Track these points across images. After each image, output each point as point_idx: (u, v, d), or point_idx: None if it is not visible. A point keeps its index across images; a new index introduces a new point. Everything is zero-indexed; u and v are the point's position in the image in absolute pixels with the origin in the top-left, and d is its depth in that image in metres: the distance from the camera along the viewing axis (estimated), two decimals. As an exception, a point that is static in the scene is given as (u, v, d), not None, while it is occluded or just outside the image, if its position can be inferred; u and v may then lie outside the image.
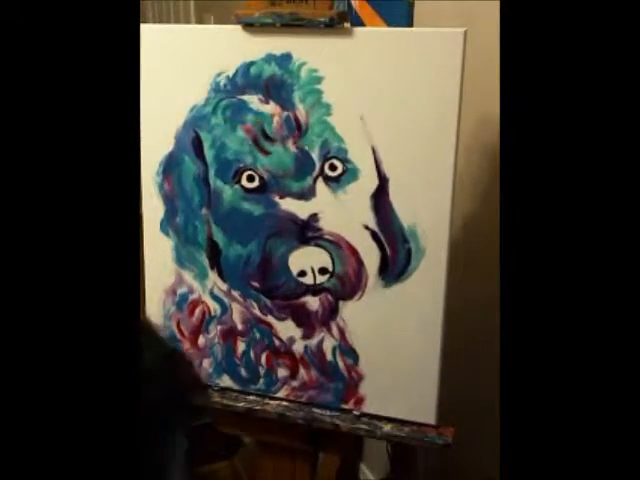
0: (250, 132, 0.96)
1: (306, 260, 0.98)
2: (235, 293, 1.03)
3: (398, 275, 0.95)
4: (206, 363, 1.08)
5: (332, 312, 1.00)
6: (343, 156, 0.93)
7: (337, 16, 0.90)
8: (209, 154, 0.99)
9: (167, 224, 1.04)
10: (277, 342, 1.03)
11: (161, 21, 2.85)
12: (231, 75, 0.95)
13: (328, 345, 1.01)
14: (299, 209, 0.96)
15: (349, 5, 1.07)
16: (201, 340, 1.07)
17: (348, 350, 1.00)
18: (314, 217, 0.96)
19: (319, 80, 0.92)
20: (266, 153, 0.96)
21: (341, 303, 0.99)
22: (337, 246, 0.96)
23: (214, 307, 1.05)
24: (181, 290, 1.06)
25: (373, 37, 0.90)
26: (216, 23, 2.30)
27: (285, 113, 0.94)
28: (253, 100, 0.95)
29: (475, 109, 1.16)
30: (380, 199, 0.93)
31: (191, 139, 0.99)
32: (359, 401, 1.02)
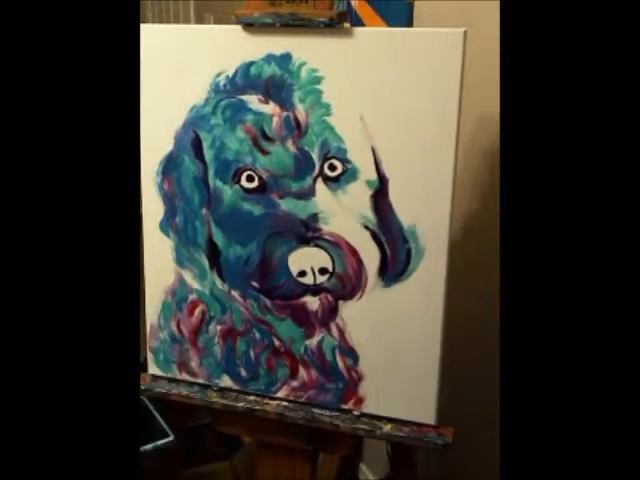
0: (250, 132, 0.96)
1: (306, 260, 0.98)
2: (235, 293, 1.03)
3: (398, 275, 0.95)
4: (206, 363, 1.08)
5: (332, 312, 1.00)
6: (343, 156, 0.93)
7: (337, 16, 0.89)
8: (208, 154, 0.99)
9: (167, 224, 1.04)
10: (277, 342, 1.03)
11: (161, 21, 2.84)
12: (231, 75, 0.95)
13: (328, 345, 1.01)
14: (299, 209, 0.96)
15: (349, 5, 1.07)
16: (201, 340, 1.07)
17: (348, 350, 1.00)
18: (314, 217, 0.96)
19: (319, 80, 0.92)
20: (266, 153, 0.96)
21: (341, 303, 0.99)
22: (337, 246, 0.96)
23: (214, 307, 1.05)
24: (181, 290, 1.06)
25: (373, 37, 0.90)
26: (216, 23, 2.30)
27: (285, 113, 0.94)
28: (253, 100, 0.95)
29: (475, 109, 1.16)
30: (380, 199, 0.93)
31: (191, 139, 0.99)
32: (359, 401, 1.02)
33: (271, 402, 1.06)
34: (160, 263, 1.06)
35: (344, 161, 0.93)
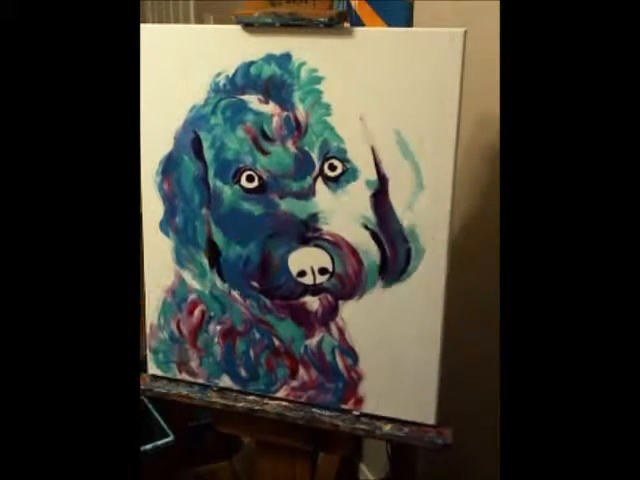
0: (250, 132, 0.96)
1: (306, 260, 0.98)
2: (235, 293, 1.03)
3: (398, 275, 0.95)
4: (205, 363, 1.08)
5: (332, 312, 1.00)
6: (343, 156, 0.93)
7: (337, 16, 0.89)
8: (209, 154, 0.99)
9: (167, 224, 1.04)
10: (277, 342, 1.03)
11: (161, 21, 2.85)
12: (231, 75, 0.95)
13: (328, 345, 1.01)
14: (299, 209, 0.96)
15: (349, 5, 1.07)
16: (200, 340, 1.07)
17: (348, 350, 1.00)
18: (314, 217, 0.96)
19: (319, 80, 0.92)
20: (266, 153, 0.96)
21: (341, 303, 0.99)
22: (337, 246, 0.96)
23: (214, 307, 1.05)
24: (181, 290, 1.06)
25: (373, 37, 0.90)
26: (216, 23, 2.30)
27: (285, 113, 0.94)
28: (253, 100, 0.95)
29: (475, 109, 1.16)
30: (380, 199, 0.93)
31: (190, 139, 0.99)
32: (359, 401, 1.02)
33: (271, 402, 1.06)
34: (160, 263, 1.06)
35: (344, 161, 0.93)
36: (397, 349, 0.98)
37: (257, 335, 1.04)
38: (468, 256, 1.23)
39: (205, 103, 0.97)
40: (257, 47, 0.93)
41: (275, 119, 0.94)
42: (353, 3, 1.07)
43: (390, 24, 1.03)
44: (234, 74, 0.95)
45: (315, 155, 0.94)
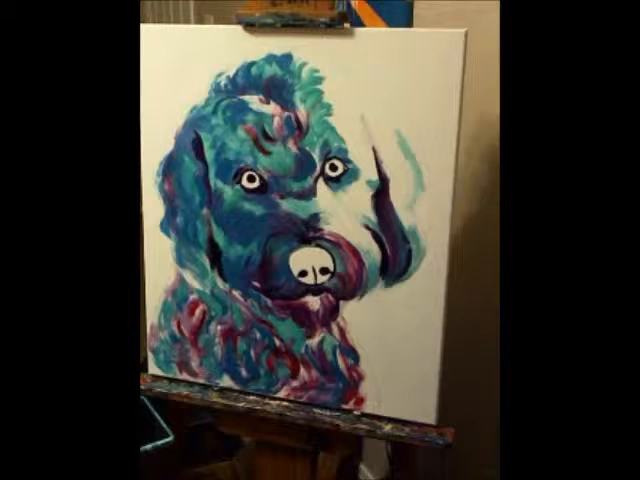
0: (251, 132, 0.96)
1: (307, 260, 0.98)
2: (236, 293, 1.03)
3: (399, 275, 0.95)
4: (206, 363, 1.08)
5: (333, 312, 1.00)
6: (344, 156, 0.93)
7: (338, 16, 0.90)
8: (209, 154, 0.99)
9: (167, 224, 1.04)
10: (277, 342, 1.03)
11: (161, 21, 2.84)
12: (231, 75, 0.95)
13: (328, 345, 1.01)
14: (300, 209, 0.96)
15: (349, 5, 1.07)
16: (201, 340, 1.07)
17: (349, 350, 1.00)
18: (315, 217, 0.96)
19: (320, 80, 0.92)
20: (266, 153, 0.96)
21: (342, 303, 0.99)
22: (338, 246, 0.96)
23: (214, 307, 1.05)
24: (181, 290, 1.06)
25: (374, 37, 0.90)
26: (216, 23, 2.30)
27: (286, 113, 0.94)
28: (253, 100, 0.95)
29: (475, 110, 1.16)
30: (381, 199, 0.93)
31: (191, 139, 0.99)
32: (359, 401, 1.02)
33: (272, 402, 1.06)
34: (160, 263, 1.06)
35: (345, 161, 0.93)
36: (398, 349, 0.98)
37: (258, 335, 1.04)
38: (468, 256, 1.23)
39: (206, 103, 0.97)
40: (258, 47, 0.93)
41: (276, 119, 0.94)
42: (353, 3, 1.07)
43: (390, 24, 1.03)
44: (235, 74, 0.95)
45: (316, 155, 0.94)
